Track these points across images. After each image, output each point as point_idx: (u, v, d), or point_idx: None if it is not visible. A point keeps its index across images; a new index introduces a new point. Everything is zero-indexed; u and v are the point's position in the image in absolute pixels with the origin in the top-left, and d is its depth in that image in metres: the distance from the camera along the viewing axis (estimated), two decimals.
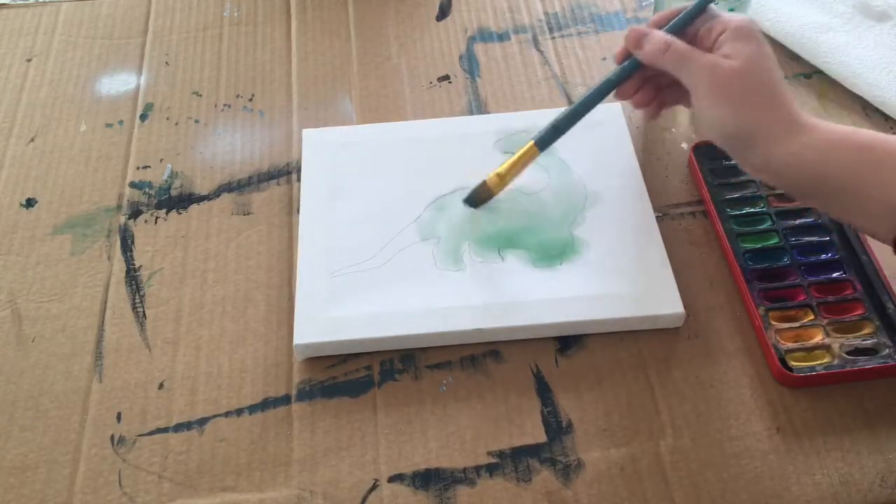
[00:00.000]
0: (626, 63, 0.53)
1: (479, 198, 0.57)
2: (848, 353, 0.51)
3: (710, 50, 0.50)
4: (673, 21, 0.52)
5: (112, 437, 0.51)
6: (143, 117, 0.67)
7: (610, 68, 0.68)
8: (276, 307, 0.56)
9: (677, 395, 0.51)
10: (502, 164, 0.56)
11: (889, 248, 0.55)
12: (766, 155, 0.47)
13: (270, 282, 0.57)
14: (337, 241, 0.57)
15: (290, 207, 0.61)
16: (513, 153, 0.57)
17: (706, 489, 0.47)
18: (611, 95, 0.54)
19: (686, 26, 0.52)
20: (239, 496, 0.48)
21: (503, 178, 0.56)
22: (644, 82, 0.54)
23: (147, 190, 0.63)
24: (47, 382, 0.53)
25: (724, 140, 0.49)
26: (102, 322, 0.56)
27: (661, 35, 0.51)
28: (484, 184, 0.57)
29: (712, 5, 0.51)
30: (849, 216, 0.47)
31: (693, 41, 0.51)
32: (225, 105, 0.68)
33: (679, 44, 0.50)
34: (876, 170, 0.44)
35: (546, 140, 0.55)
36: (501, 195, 0.58)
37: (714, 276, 0.56)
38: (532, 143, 0.55)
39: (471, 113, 0.66)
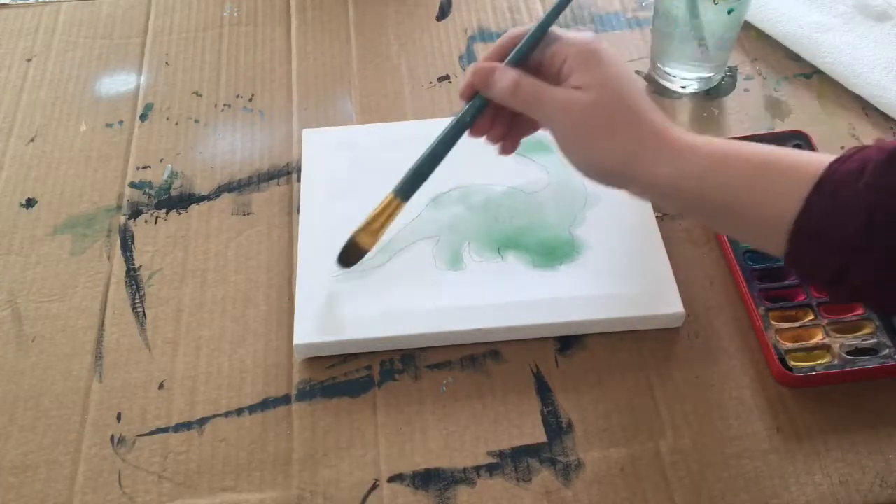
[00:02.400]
0: (475, 101, 0.48)
1: (351, 255, 0.53)
2: (848, 352, 0.51)
3: (557, 80, 0.45)
4: (514, 50, 0.47)
5: (112, 437, 0.51)
6: (143, 117, 0.67)
7: None
8: (276, 307, 0.56)
9: (677, 395, 0.51)
10: (366, 218, 0.51)
11: None
12: (643, 183, 0.44)
13: (270, 282, 0.57)
14: (337, 241, 0.57)
15: (290, 207, 0.61)
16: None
17: (706, 489, 0.47)
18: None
19: (529, 54, 0.47)
20: (239, 496, 0.48)
21: (374, 234, 0.52)
22: (496, 117, 0.49)
23: (147, 190, 0.63)
24: (47, 382, 0.53)
25: (600, 176, 0.46)
26: (102, 322, 0.56)
27: (509, 73, 0.46)
28: (352, 240, 0.52)
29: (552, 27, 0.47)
30: (738, 233, 0.45)
31: (538, 69, 0.47)
32: (225, 105, 0.68)
33: (527, 82, 0.45)
34: (758, 185, 0.41)
35: (407, 189, 0.50)
36: (501, 195, 0.58)
37: (714, 276, 0.56)
38: (391, 195, 0.50)
39: None
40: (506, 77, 0.46)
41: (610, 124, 0.44)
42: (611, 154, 0.44)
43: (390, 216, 0.51)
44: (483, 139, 0.50)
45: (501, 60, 0.47)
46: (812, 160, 0.41)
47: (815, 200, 0.39)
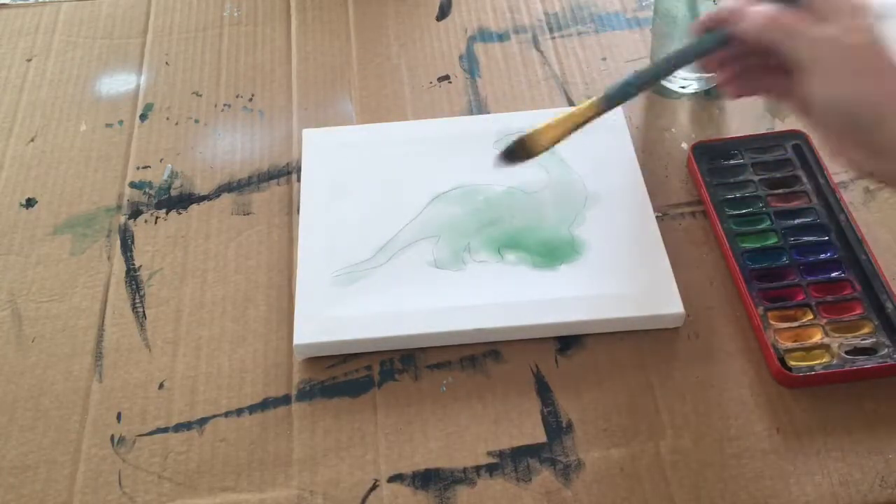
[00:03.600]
0: (715, 32, 0.46)
1: (519, 154, 0.49)
2: (847, 352, 0.51)
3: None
4: None
5: (112, 437, 0.51)
6: (143, 117, 0.67)
7: (609, 68, 0.69)
8: (276, 307, 0.56)
9: (677, 395, 0.51)
10: (554, 117, 0.48)
11: (889, 248, 0.55)
12: (883, 132, 0.43)
13: (270, 282, 0.57)
14: (337, 241, 0.57)
15: (290, 207, 0.61)
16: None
17: (706, 489, 0.47)
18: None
19: None
20: (239, 496, 0.48)
21: (555, 130, 0.48)
22: (730, 59, 0.48)
23: (147, 190, 0.63)
24: (47, 382, 0.53)
25: (846, 121, 0.44)
26: (102, 322, 0.56)
27: (765, 6, 0.44)
28: (529, 137, 0.49)
29: None
30: None
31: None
32: (225, 105, 0.68)
33: (788, 14, 0.44)
34: None
35: (616, 97, 0.48)
36: (501, 195, 0.58)
37: (714, 276, 0.56)
38: (595, 99, 0.48)
39: (471, 113, 0.66)
40: (764, 9, 0.44)
41: (881, 67, 0.43)
42: (874, 98, 0.43)
43: (582, 122, 0.48)
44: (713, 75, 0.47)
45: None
46: None
47: None
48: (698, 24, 0.47)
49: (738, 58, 0.48)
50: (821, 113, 0.45)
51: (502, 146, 0.50)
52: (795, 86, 0.45)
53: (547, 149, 0.49)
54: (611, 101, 0.48)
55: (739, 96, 0.50)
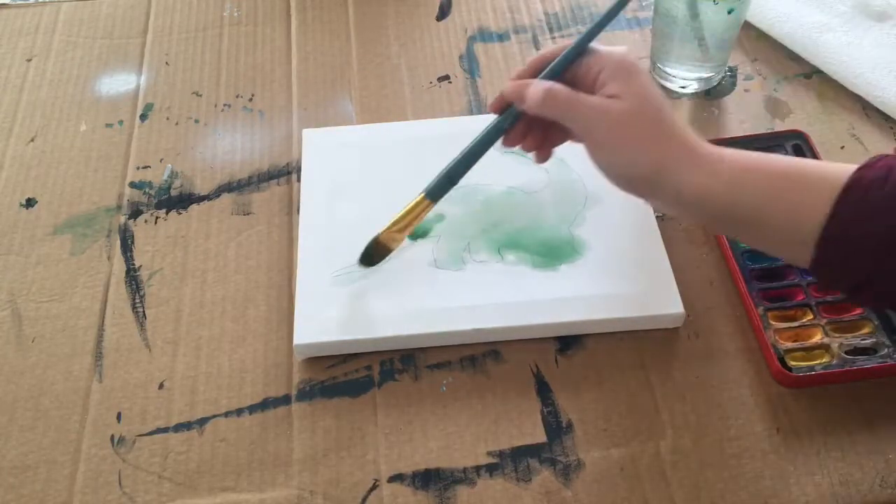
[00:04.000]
0: (510, 110, 0.49)
1: (376, 255, 0.54)
2: (847, 352, 0.51)
3: (591, 90, 0.47)
4: (552, 64, 0.48)
5: (112, 437, 0.51)
6: (143, 117, 0.67)
7: None
8: (276, 307, 0.56)
9: (677, 395, 0.51)
10: (392, 218, 0.52)
11: None
12: (674, 191, 0.44)
13: (270, 282, 0.57)
14: (337, 241, 0.57)
15: (290, 207, 0.61)
16: (514, 153, 0.57)
17: (706, 489, 0.47)
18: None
19: (566, 67, 0.48)
20: (239, 496, 0.48)
21: (400, 233, 0.53)
22: (529, 128, 0.50)
23: (147, 190, 0.63)
24: (47, 382, 0.53)
25: (629, 184, 0.47)
26: (102, 322, 0.56)
27: (540, 83, 0.47)
28: (377, 241, 0.53)
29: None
30: (764, 244, 0.46)
31: (572, 83, 0.47)
32: (225, 105, 0.68)
33: (561, 90, 0.46)
34: (785, 195, 0.42)
35: (437, 191, 0.51)
36: (501, 195, 0.58)
37: (714, 276, 0.56)
38: (422, 195, 0.51)
39: (471, 113, 0.66)
40: (539, 86, 0.47)
41: (643, 133, 0.45)
42: (642, 163, 0.45)
43: (419, 216, 0.52)
44: (517, 148, 0.51)
45: (533, 78, 0.48)
46: (837, 169, 0.41)
47: (843, 207, 0.40)
48: (494, 104, 0.50)
49: (534, 123, 0.50)
50: (607, 175, 0.47)
51: (360, 255, 0.54)
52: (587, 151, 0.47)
53: (400, 243, 0.54)
54: (434, 194, 0.51)
55: (546, 158, 0.52)
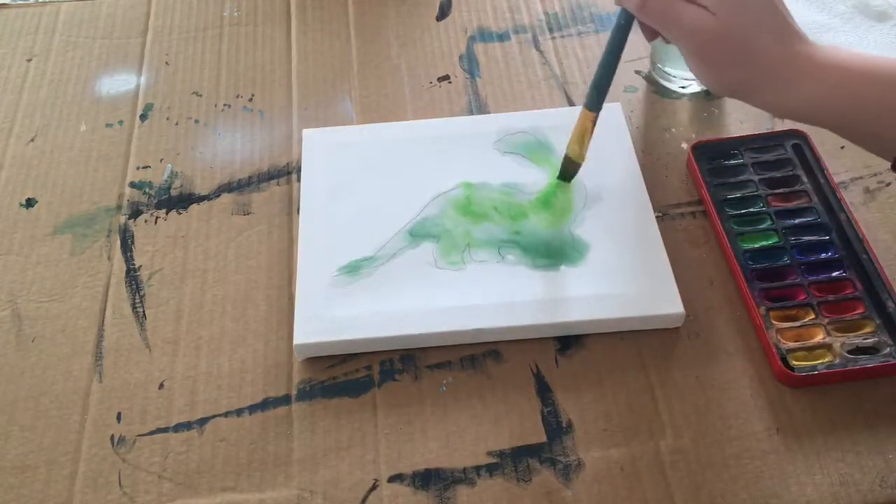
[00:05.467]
0: (621, 13, 0.51)
1: (570, 170, 0.58)
2: (849, 352, 0.51)
3: None
4: None
5: (112, 437, 0.51)
6: (143, 117, 0.67)
7: None
8: (276, 307, 0.56)
9: (677, 395, 0.51)
10: (571, 135, 0.57)
11: (890, 248, 0.55)
12: (765, 104, 0.47)
13: (270, 282, 0.57)
14: (337, 241, 0.57)
15: (290, 207, 0.61)
16: (514, 153, 0.57)
17: (706, 489, 0.47)
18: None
19: None
20: (239, 496, 0.48)
21: (580, 146, 0.57)
22: None
23: (147, 190, 0.63)
24: (47, 382, 0.53)
25: (726, 95, 0.49)
26: (102, 322, 0.56)
27: None
28: (566, 158, 0.58)
29: None
30: (862, 145, 0.47)
31: None
32: (225, 105, 0.68)
33: None
34: (879, 111, 0.44)
35: (595, 101, 0.54)
36: (502, 195, 0.58)
37: (714, 276, 0.56)
38: (584, 110, 0.55)
39: (471, 113, 0.66)
40: None
41: (729, 54, 0.45)
42: (729, 81, 0.46)
43: (588, 130, 0.56)
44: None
45: None
46: None
47: None
48: None
49: None
50: (709, 88, 0.49)
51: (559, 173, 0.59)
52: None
53: (583, 156, 0.57)
54: (591, 105, 0.55)
55: None
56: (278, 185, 0.62)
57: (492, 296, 0.54)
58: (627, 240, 0.56)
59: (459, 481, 0.48)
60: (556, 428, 0.50)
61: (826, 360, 0.51)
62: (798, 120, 0.51)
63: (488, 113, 0.66)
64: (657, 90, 0.67)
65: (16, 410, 0.52)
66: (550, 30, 0.72)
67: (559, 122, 0.61)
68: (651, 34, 0.51)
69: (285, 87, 0.69)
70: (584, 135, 0.56)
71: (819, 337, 0.52)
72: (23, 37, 0.74)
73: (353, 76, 0.70)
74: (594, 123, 0.55)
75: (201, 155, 0.65)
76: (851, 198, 0.59)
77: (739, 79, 0.46)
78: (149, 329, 0.55)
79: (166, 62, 0.71)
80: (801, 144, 0.61)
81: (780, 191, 0.59)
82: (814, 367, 0.50)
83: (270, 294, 0.56)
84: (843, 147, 0.62)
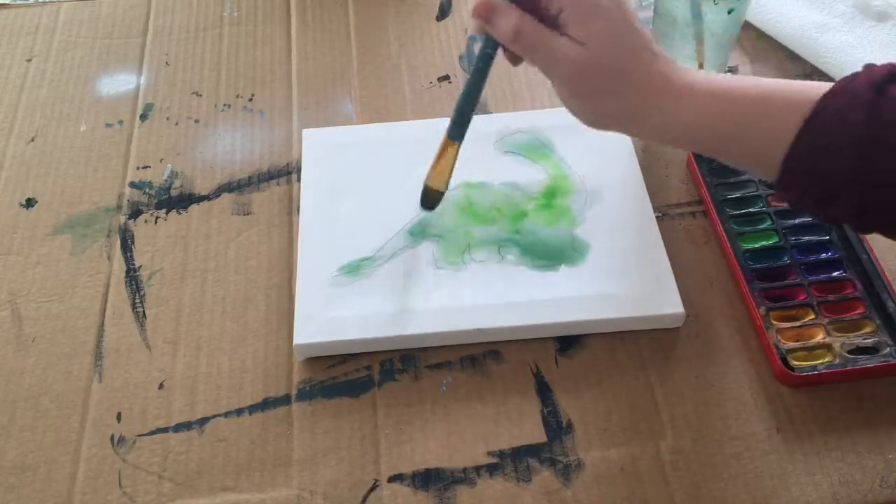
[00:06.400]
0: (489, 35, 0.47)
1: (431, 199, 0.54)
2: (849, 352, 0.51)
3: (555, 22, 0.44)
4: None
5: (112, 437, 0.51)
6: (143, 117, 0.67)
7: None
8: (276, 307, 0.56)
9: (677, 395, 0.51)
10: (431, 164, 0.53)
11: (890, 247, 0.55)
12: (640, 134, 0.47)
13: (270, 282, 0.57)
14: (337, 241, 0.57)
15: (290, 207, 0.61)
16: (513, 153, 0.57)
17: (706, 489, 0.47)
18: None
19: None
20: (239, 496, 0.48)
21: (442, 176, 0.53)
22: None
23: (147, 190, 0.63)
24: (47, 382, 0.53)
25: (597, 128, 0.47)
26: (102, 322, 0.56)
27: (511, 15, 0.45)
28: (426, 187, 0.53)
29: None
30: (734, 165, 0.48)
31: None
32: (225, 105, 0.68)
33: (529, 28, 0.44)
34: (751, 128, 0.44)
35: (457, 131, 0.51)
36: (501, 195, 0.58)
37: (714, 276, 0.56)
38: (446, 138, 0.51)
39: None
40: (508, 19, 0.45)
41: (604, 85, 0.45)
42: (607, 111, 0.46)
43: (451, 160, 0.52)
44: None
45: None
46: (803, 94, 0.42)
47: (804, 140, 0.42)
48: (479, 7, 0.47)
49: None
50: (581, 121, 0.47)
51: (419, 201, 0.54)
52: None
53: (445, 185, 0.53)
54: (455, 134, 0.51)
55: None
56: (278, 185, 0.62)
57: (492, 296, 0.54)
58: (627, 240, 0.56)
59: (459, 481, 0.48)
60: (556, 428, 0.50)
61: (826, 360, 0.51)
62: (680, 146, 0.49)
63: (488, 113, 0.66)
64: None
65: (16, 410, 0.52)
66: None
67: (559, 122, 0.61)
68: (515, 60, 0.49)
69: (285, 87, 0.69)
70: (445, 163, 0.52)
71: (819, 337, 0.52)
72: (23, 37, 0.74)
73: (353, 76, 0.70)
74: (457, 153, 0.52)
75: (201, 155, 0.65)
76: None
77: (615, 109, 0.45)
78: (149, 329, 0.55)
79: (166, 62, 0.71)
80: None
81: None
82: (814, 367, 0.50)
83: (270, 294, 0.56)
84: None
